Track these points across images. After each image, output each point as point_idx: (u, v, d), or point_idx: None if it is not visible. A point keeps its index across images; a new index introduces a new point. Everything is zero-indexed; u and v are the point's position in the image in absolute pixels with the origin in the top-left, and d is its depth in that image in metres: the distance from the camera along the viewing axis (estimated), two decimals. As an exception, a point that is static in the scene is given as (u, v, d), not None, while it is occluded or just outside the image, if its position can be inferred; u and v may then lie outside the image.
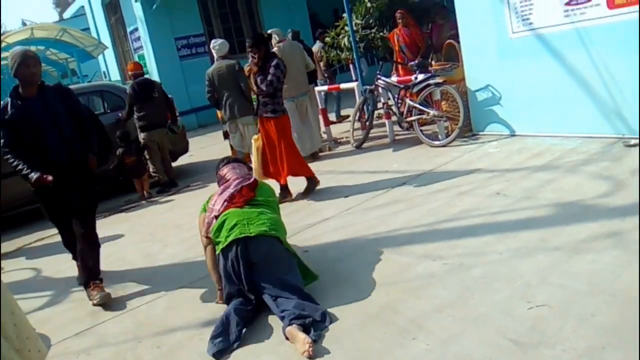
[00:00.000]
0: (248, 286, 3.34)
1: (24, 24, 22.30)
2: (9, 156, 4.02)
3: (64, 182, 4.05)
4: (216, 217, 3.62)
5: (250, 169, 4.45)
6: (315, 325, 3.02)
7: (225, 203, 3.64)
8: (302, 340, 2.84)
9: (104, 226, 6.47)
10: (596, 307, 2.70)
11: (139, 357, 3.23)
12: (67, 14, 26.06)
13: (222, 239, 3.42)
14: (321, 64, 9.87)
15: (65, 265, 5.25)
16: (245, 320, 3.24)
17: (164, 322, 3.60)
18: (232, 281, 3.38)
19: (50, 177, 3.92)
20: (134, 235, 5.81)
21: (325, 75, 10.07)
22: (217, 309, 3.55)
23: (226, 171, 4.05)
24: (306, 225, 4.83)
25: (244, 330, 3.17)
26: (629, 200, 3.88)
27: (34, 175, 3.91)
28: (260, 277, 3.34)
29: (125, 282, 4.43)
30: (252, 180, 3.85)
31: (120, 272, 4.74)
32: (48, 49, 17.47)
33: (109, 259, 5.13)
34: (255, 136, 5.76)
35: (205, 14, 14.19)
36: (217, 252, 3.47)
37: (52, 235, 6.56)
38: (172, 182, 7.79)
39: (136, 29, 14.55)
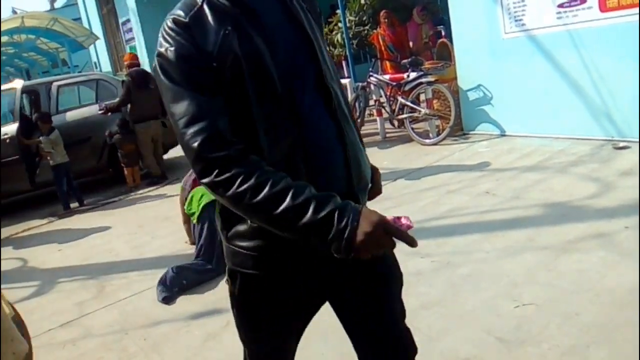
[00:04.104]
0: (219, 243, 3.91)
1: (14, 12, 22.09)
2: (238, 171, 1.24)
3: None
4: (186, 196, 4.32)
5: None
6: None
7: (192, 182, 4.35)
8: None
9: (93, 218, 6.45)
10: (581, 306, 2.73)
11: (125, 348, 3.22)
12: (58, 4, 25.87)
13: (195, 209, 4.09)
14: None
15: (52, 256, 5.24)
16: (187, 276, 3.85)
17: (151, 314, 3.59)
18: (211, 244, 3.99)
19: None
20: (123, 227, 5.78)
21: None
22: (204, 302, 3.56)
23: None
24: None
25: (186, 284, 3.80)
26: (617, 202, 3.92)
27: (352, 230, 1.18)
28: None
29: (113, 273, 4.41)
30: None
31: (108, 263, 4.72)
32: (38, 38, 17.32)
33: (97, 250, 5.12)
34: None
35: (198, 7, 14.13)
36: (194, 222, 4.14)
37: (38, 225, 6.53)
38: (162, 175, 7.75)
39: (128, 20, 14.46)
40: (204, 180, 1.26)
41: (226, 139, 1.26)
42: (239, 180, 1.22)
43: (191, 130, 1.26)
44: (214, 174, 1.24)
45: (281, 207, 1.19)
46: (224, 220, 1.44)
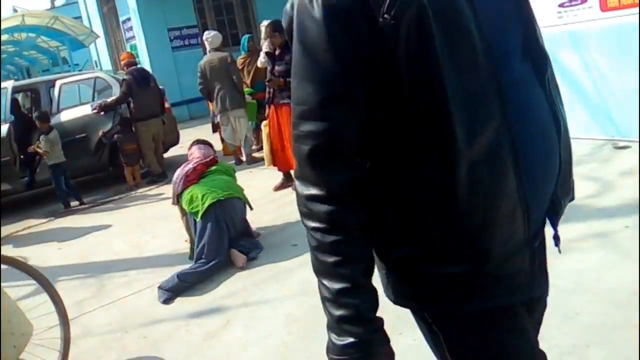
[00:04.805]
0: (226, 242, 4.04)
1: (14, 10, 22.08)
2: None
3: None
4: (179, 194, 4.27)
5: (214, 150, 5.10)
6: (252, 251, 4.11)
7: (184, 178, 4.28)
8: (240, 258, 3.96)
9: (92, 216, 6.45)
10: (581, 306, 2.72)
11: (125, 347, 3.22)
12: (58, 2, 25.83)
13: (199, 208, 4.00)
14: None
15: (51, 254, 5.24)
16: (193, 280, 3.82)
17: (151, 312, 3.59)
18: (218, 242, 3.97)
19: None
20: (123, 226, 5.78)
21: None
22: (204, 301, 3.56)
23: (193, 150, 4.82)
24: (295, 220, 4.83)
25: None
26: (617, 201, 3.91)
27: None
28: (232, 233, 4.11)
29: (113, 272, 4.41)
30: (208, 159, 4.55)
31: (107, 262, 4.72)
32: (39, 36, 17.31)
33: (97, 249, 5.12)
34: (265, 122, 5.86)
35: (198, 6, 14.10)
36: (198, 219, 4.03)
37: (38, 224, 6.53)
38: (162, 174, 7.75)
39: (129, 19, 14.43)
40: (297, 187, 1.03)
41: (343, 156, 0.97)
42: (320, 224, 0.99)
43: (304, 128, 0.96)
44: (307, 193, 1.00)
45: (325, 282, 1.01)
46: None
